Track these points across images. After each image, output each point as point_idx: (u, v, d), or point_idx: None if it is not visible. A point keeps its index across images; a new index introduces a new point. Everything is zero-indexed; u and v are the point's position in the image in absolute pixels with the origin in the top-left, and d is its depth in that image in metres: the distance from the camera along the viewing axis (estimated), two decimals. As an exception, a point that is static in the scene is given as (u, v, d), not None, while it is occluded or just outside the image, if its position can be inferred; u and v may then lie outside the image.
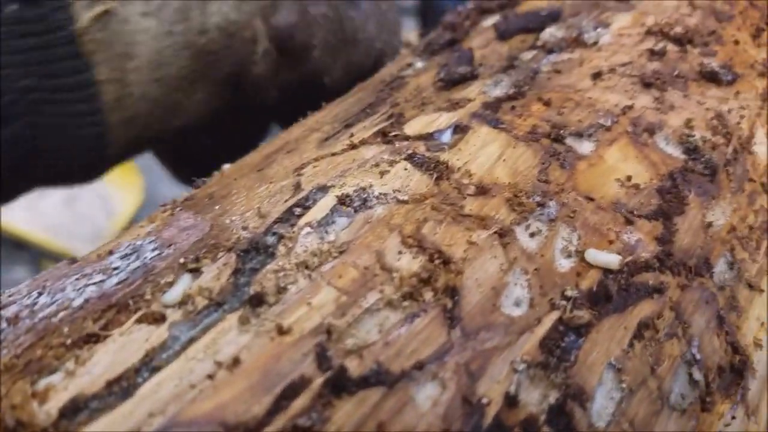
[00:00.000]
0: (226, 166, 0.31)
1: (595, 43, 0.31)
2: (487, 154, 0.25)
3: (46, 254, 2.01)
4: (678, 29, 0.31)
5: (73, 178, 0.41)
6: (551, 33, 0.31)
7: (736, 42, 0.32)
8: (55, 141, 0.36)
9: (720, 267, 0.24)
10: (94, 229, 2.06)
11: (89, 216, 2.06)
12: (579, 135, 0.26)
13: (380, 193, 0.23)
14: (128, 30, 0.36)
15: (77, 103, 0.35)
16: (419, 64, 0.34)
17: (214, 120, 0.43)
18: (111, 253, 0.24)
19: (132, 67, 0.36)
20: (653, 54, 0.30)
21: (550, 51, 0.30)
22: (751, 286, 0.25)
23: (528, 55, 0.31)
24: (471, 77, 0.30)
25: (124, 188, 2.05)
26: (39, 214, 1.97)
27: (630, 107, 0.27)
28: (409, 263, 0.21)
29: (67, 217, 2.04)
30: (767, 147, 0.29)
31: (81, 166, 0.39)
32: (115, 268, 0.22)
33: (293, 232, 0.22)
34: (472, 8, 0.37)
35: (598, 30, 0.31)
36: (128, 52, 0.36)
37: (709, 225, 0.25)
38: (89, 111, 0.36)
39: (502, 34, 0.33)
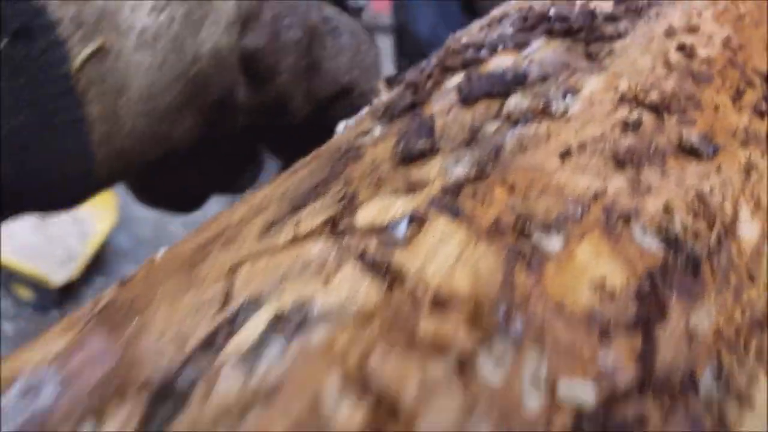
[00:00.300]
0: (160, 253, 0.28)
1: (564, 113, 0.28)
2: (445, 254, 0.23)
3: (18, 277, 1.97)
4: (653, 96, 0.29)
5: (49, 209, 0.40)
6: (516, 103, 0.28)
7: (716, 107, 0.29)
8: (39, 179, 0.34)
9: (706, 380, 0.22)
10: (67, 251, 2.02)
11: (62, 238, 2.02)
12: (547, 228, 0.23)
13: (322, 310, 0.21)
14: (122, 65, 0.34)
15: (66, 141, 0.34)
16: (377, 131, 0.31)
17: (196, 148, 0.41)
18: (11, 384, 0.20)
19: (123, 102, 0.35)
20: (627, 126, 0.27)
21: (516, 123, 0.28)
22: (740, 399, 0.22)
23: (492, 127, 0.28)
24: (431, 152, 0.28)
25: (97, 209, 2.01)
26: (10, 236, 1.93)
27: (603, 192, 0.25)
28: (350, 413, 0.18)
29: (40, 239, 1.99)
30: (752, 227, 0.27)
31: (60, 199, 0.37)
32: (9, 413, 0.19)
33: (215, 366, 0.19)
34: (435, 64, 0.35)
35: (567, 98, 0.29)
36: (120, 87, 0.34)
37: (694, 331, 0.22)
38: (79, 149, 0.34)
39: (465, 99, 0.31)
